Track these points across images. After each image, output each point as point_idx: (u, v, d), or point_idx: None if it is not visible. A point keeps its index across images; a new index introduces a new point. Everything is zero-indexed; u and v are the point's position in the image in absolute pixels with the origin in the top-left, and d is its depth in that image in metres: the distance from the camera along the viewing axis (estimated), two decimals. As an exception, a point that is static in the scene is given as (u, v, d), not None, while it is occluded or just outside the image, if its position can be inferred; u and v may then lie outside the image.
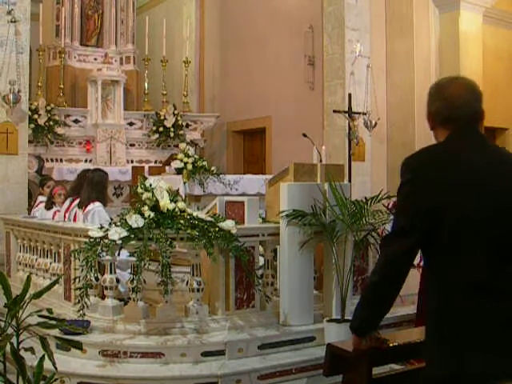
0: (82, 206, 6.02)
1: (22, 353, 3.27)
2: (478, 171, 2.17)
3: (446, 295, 2.15)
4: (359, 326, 2.47)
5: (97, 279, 4.94)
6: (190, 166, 7.97)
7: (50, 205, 7.16)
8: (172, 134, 12.12)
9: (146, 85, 12.75)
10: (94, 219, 5.76)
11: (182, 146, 8.67)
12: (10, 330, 3.28)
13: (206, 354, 4.61)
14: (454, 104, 2.29)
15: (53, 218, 6.74)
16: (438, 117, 2.34)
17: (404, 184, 2.25)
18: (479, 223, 2.13)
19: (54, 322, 3.47)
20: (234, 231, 4.84)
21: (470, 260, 2.12)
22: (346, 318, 5.00)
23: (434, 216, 2.13)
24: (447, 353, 2.12)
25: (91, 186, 6.07)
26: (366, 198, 5.25)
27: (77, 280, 4.68)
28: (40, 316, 3.42)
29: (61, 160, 11.46)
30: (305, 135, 6.85)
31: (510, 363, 2.06)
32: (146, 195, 4.80)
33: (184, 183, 7.83)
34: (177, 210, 4.81)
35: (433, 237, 2.15)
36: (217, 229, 4.78)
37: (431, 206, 2.14)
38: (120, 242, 4.59)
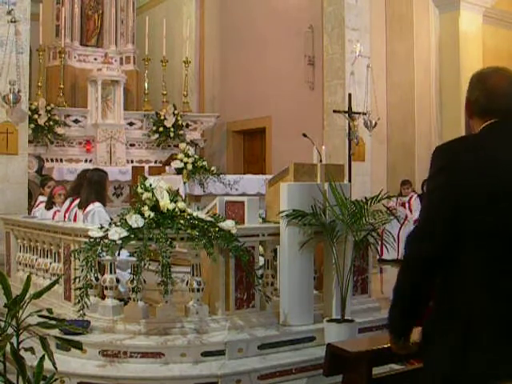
0: (82, 206, 6.02)
1: (22, 353, 3.27)
2: (506, 170, 2.12)
3: (449, 294, 2.14)
4: (392, 329, 2.36)
5: (97, 279, 4.94)
6: (189, 166, 7.97)
7: (50, 205, 7.16)
8: (172, 134, 12.13)
9: (146, 85, 12.76)
10: (94, 219, 5.76)
11: (182, 146, 8.67)
12: (10, 330, 3.28)
13: (205, 354, 4.61)
14: (495, 95, 2.23)
15: (53, 218, 6.74)
16: (477, 107, 2.28)
17: (435, 173, 2.20)
18: (493, 224, 2.09)
19: (53, 322, 3.47)
20: (234, 231, 4.83)
21: (477, 260, 2.10)
22: (346, 317, 5.00)
23: (457, 214, 2.11)
24: (447, 352, 2.11)
25: (90, 186, 6.07)
26: (366, 197, 5.25)
27: (77, 280, 4.68)
28: (40, 316, 3.41)
29: (61, 160, 11.47)
30: (305, 135, 6.85)
31: (510, 363, 2.06)
32: (145, 195, 4.80)
33: (184, 183, 7.83)
34: (177, 210, 4.81)
35: (457, 232, 2.12)
36: (217, 229, 4.78)
37: (456, 205, 2.10)
38: (120, 241, 4.59)
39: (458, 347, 2.08)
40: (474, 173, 2.12)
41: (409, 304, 2.25)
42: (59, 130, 11.25)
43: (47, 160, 11.25)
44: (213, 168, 8.18)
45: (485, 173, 2.12)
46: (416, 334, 2.35)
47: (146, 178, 5.05)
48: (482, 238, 2.10)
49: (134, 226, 4.62)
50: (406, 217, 9.97)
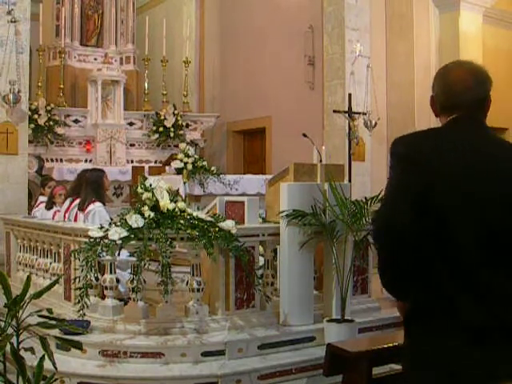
0: (82, 207, 6.03)
1: (22, 353, 3.27)
2: (468, 155, 2.08)
3: (433, 291, 2.11)
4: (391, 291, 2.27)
5: (97, 279, 4.94)
6: (190, 166, 7.96)
7: (50, 205, 7.17)
8: (172, 134, 12.12)
9: (146, 85, 12.75)
10: (95, 219, 5.76)
11: (182, 146, 8.67)
12: (9, 330, 3.27)
13: (206, 354, 4.61)
14: (453, 90, 2.18)
15: (53, 218, 6.74)
16: (438, 103, 2.24)
17: (393, 160, 2.17)
18: (462, 210, 2.03)
19: (53, 322, 3.47)
20: (233, 231, 4.83)
21: (459, 254, 2.07)
22: (346, 317, 5.00)
23: (419, 196, 2.05)
24: (445, 351, 2.10)
25: (88, 187, 6.08)
26: (365, 197, 5.25)
27: (77, 280, 4.68)
28: (40, 316, 3.41)
29: (61, 160, 11.47)
30: (305, 135, 6.85)
31: (509, 363, 2.05)
32: (145, 195, 4.80)
33: (184, 183, 7.83)
34: (177, 210, 4.81)
35: (420, 225, 2.06)
36: (217, 229, 4.78)
37: (418, 185, 2.05)
38: (120, 241, 4.59)
39: (455, 346, 2.07)
40: (445, 155, 2.08)
41: (396, 270, 2.17)
42: (59, 130, 11.25)
43: (47, 160, 11.24)
44: (213, 168, 8.18)
45: (457, 156, 2.07)
46: None
47: (145, 178, 5.05)
48: (463, 228, 2.04)
49: (134, 225, 4.62)
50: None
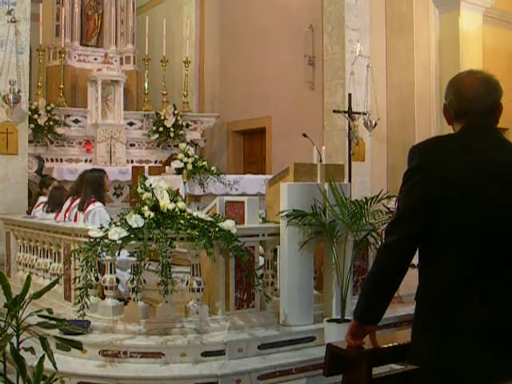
0: (82, 207, 6.03)
1: (21, 353, 3.26)
2: (484, 162, 2.13)
3: (439, 295, 2.13)
4: (361, 314, 2.38)
5: (97, 279, 4.95)
6: (190, 166, 7.97)
7: (51, 205, 7.16)
8: (172, 134, 12.13)
9: (146, 85, 12.76)
10: (95, 219, 5.76)
11: (182, 146, 8.67)
12: (10, 330, 3.27)
13: (205, 354, 4.61)
14: (466, 97, 2.25)
15: (54, 219, 6.74)
16: (452, 111, 2.30)
17: (409, 172, 2.22)
18: (475, 216, 2.08)
19: (54, 322, 3.47)
20: (234, 231, 4.84)
21: (452, 259, 2.09)
22: (345, 317, 5.00)
23: (433, 207, 2.11)
24: (444, 352, 2.10)
25: (88, 187, 6.08)
26: (366, 197, 5.25)
27: (77, 280, 4.68)
28: (40, 316, 3.41)
29: (61, 160, 11.47)
30: (305, 135, 6.85)
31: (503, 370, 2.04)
32: (146, 195, 4.80)
33: (184, 183, 7.83)
34: (177, 210, 4.81)
35: (432, 228, 2.13)
36: (217, 229, 4.78)
37: (432, 196, 2.11)
38: (120, 241, 4.59)
39: (454, 347, 2.07)
40: (463, 161, 2.13)
41: (385, 294, 2.28)
42: (59, 130, 11.25)
43: (47, 160, 11.24)
44: (213, 168, 8.18)
45: (473, 162, 2.12)
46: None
47: (145, 178, 5.05)
48: (457, 236, 2.09)
49: (134, 225, 4.62)
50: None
